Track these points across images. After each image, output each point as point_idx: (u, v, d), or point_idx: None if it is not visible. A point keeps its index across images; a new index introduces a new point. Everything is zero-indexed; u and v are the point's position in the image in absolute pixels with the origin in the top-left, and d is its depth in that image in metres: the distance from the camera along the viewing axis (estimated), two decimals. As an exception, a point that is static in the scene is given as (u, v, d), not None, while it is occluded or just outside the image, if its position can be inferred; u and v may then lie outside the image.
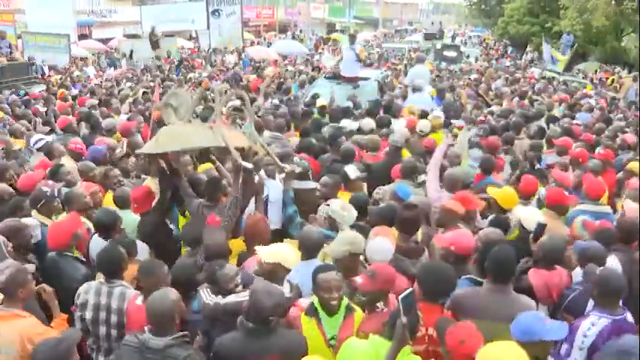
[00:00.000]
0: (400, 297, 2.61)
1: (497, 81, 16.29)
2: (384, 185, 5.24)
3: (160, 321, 2.85)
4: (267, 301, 2.79)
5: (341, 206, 4.21)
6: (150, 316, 2.87)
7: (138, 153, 4.91)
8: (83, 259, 4.05)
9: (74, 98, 11.35)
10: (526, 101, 11.22)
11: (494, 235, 3.95)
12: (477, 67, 21.92)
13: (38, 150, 6.40)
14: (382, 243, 3.62)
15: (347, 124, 7.43)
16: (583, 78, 19.07)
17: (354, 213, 4.17)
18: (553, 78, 17.47)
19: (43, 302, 3.46)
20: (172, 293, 2.94)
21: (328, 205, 4.24)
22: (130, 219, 4.56)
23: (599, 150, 6.67)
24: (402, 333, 2.59)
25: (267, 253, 3.37)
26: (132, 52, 21.75)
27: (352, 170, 5.23)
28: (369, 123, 7.36)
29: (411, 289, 2.67)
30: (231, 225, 4.10)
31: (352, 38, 11.79)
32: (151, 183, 4.88)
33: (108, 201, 4.97)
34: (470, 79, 15.94)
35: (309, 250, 3.64)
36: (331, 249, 3.46)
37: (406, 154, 6.32)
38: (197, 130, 4.36)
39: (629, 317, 3.21)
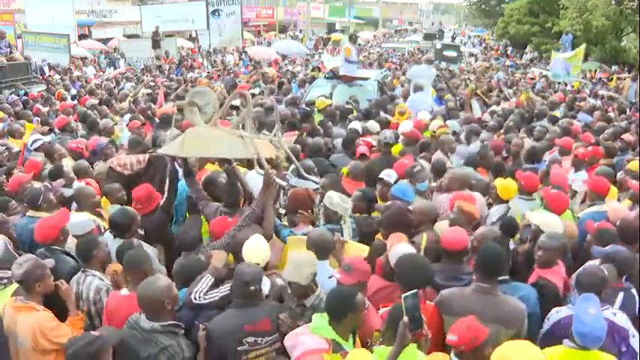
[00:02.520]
0: (403, 296, 2.59)
1: (499, 72, 16.22)
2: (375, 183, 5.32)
3: (148, 307, 2.94)
4: (247, 270, 3.10)
5: (340, 198, 4.27)
6: (139, 302, 2.97)
7: (161, 153, 4.52)
8: (72, 253, 4.04)
9: (74, 98, 11.34)
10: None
11: (490, 233, 3.95)
12: (476, 66, 21.91)
13: (36, 150, 6.40)
14: (407, 249, 3.56)
15: (355, 125, 7.40)
16: (582, 78, 19.05)
17: (350, 204, 4.31)
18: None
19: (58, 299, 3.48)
20: (161, 280, 3.02)
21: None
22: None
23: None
24: (404, 332, 2.55)
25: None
26: (123, 54, 21.67)
27: (386, 174, 5.22)
28: (374, 125, 7.39)
29: (415, 290, 2.62)
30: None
31: (353, 38, 11.77)
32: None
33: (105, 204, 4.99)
34: (469, 79, 15.91)
35: (320, 251, 3.63)
36: (298, 276, 3.19)
37: (397, 152, 6.38)
38: (227, 139, 4.10)
39: (608, 314, 3.17)
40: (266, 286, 3.36)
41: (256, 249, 3.44)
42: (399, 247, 3.53)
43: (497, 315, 3.06)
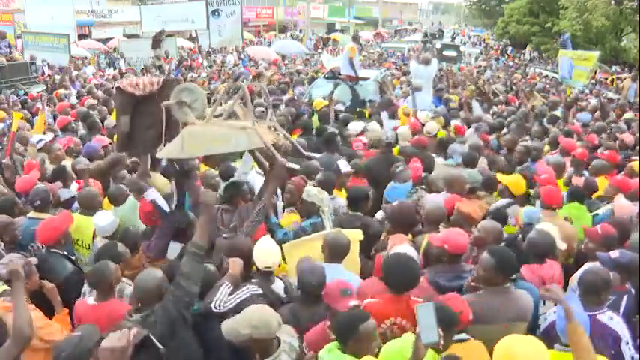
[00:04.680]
0: (416, 306, 2.52)
1: (488, 71, 16.12)
2: (377, 182, 5.34)
3: (144, 297, 2.97)
4: (312, 279, 3.19)
5: (317, 190, 4.32)
6: (136, 293, 3.02)
7: (161, 156, 4.25)
8: (72, 257, 4.07)
9: (77, 98, 11.33)
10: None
11: (492, 225, 3.96)
12: (471, 67, 21.83)
13: (39, 150, 6.40)
14: (408, 251, 3.57)
15: (355, 126, 7.40)
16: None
17: (327, 195, 4.39)
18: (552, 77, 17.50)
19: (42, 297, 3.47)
20: (158, 272, 3.07)
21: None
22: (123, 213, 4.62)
23: (600, 151, 6.72)
24: (417, 345, 2.46)
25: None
26: (122, 54, 21.68)
27: (343, 165, 5.38)
28: (375, 127, 7.38)
29: (430, 302, 2.53)
30: (253, 232, 3.92)
31: (356, 38, 11.81)
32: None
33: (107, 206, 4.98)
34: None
35: (338, 254, 3.65)
36: (230, 329, 2.80)
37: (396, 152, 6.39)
38: (230, 134, 3.93)
39: (604, 318, 3.18)
40: (280, 288, 3.40)
41: (268, 252, 3.40)
42: (399, 248, 3.53)
43: (517, 312, 3.12)
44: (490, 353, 2.61)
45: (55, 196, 4.79)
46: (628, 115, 10.35)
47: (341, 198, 4.95)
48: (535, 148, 6.62)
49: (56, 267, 3.82)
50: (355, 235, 3.89)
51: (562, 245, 4.02)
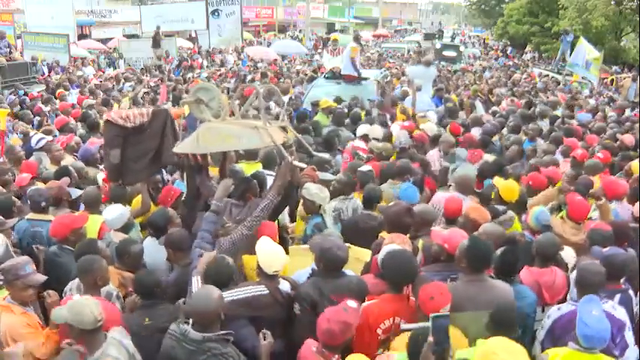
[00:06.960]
0: (432, 315, 2.53)
1: (487, 71, 16.15)
2: None
3: (203, 320, 2.92)
4: (341, 253, 3.34)
5: (317, 188, 4.40)
6: (194, 314, 2.95)
7: (177, 151, 4.34)
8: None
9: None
10: (522, 101, 11.20)
11: (494, 229, 3.95)
12: (481, 65, 21.79)
13: (39, 149, 6.39)
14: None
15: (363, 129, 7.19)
16: (583, 78, 19.01)
17: (328, 193, 4.46)
18: (553, 77, 17.51)
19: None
20: (215, 292, 2.98)
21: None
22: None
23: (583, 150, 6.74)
24: (427, 354, 2.48)
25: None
26: (121, 54, 21.69)
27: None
28: (376, 130, 7.21)
29: (447, 313, 2.60)
30: (256, 226, 3.86)
31: (357, 39, 11.81)
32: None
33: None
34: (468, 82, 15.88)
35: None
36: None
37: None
38: (242, 131, 4.07)
39: (608, 307, 3.19)
40: (285, 285, 3.42)
41: (275, 256, 3.35)
42: (389, 246, 3.55)
43: (492, 300, 3.12)
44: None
45: (65, 193, 4.74)
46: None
47: (358, 199, 4.92)
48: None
49: (67, 264, 3.79)
50: (363, 255, 3.87)
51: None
